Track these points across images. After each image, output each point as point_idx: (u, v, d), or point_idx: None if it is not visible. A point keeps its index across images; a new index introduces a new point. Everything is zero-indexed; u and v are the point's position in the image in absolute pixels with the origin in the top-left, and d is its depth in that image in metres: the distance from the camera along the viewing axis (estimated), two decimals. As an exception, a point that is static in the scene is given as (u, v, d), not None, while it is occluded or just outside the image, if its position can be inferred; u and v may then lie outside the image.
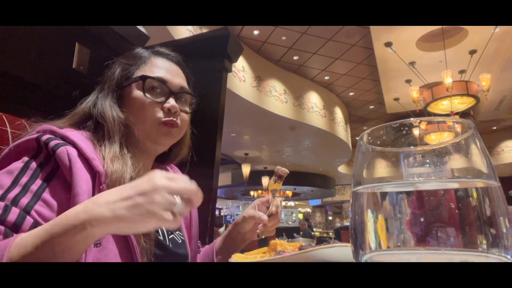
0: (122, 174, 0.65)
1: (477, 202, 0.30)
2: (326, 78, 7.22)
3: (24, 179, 0.58)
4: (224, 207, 19.00)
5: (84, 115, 0.75)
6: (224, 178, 11.64)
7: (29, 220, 0.54)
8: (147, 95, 0.74)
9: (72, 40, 1.03)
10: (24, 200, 0.56)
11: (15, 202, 0.55)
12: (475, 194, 0.30)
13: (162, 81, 0.76)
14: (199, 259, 0.93)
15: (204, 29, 4.90)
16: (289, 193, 14.20)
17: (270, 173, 11.31)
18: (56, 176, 0.61)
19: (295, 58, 6.42)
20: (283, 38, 5.73)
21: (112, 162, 0.66)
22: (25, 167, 0.60)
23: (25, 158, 0.62)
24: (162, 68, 0.79)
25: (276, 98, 6.53)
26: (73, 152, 0.62)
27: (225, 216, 18.65)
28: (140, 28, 1.25)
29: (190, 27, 4.62)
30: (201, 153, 0.86)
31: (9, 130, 0.73)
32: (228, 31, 1.35)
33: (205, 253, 0.94)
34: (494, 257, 0.28)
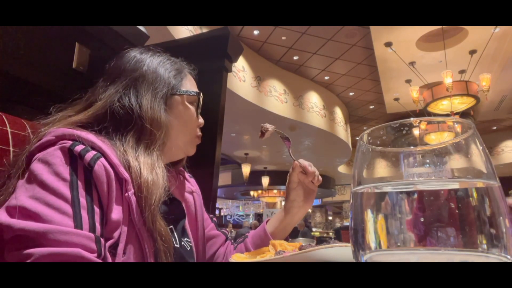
0: (159, 184, 0.64)
1: (477, 202, 0.30)
2: (326, 78, 7.22)
3: (82, 200, 0.55)
4: (224, 207, 19.00)
5: (104, 111, 0.69)
6: (224, 178, 11.64)
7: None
8: (197, 111, 0.81)
9: (72, 40, 1.03)
10: (97, 225, 0.56)
11: (94, 229, 0.55)
12: (475, 194, 0.30)
13: (201, 98, 0.84)
14: (251, 243, 0.93)
15: (204, 29, 4.90)
16: (289, 193, 14.17)
17: (270, 173, 11.37)
18: (97, 191, 0.59)
19: (295, 58, 6.42)
20: (283, 38, 5.73)
21: (151, 172, 0.64)
22: (73, 183, 0.56)
23: (66, 169, 0.56)
24: (194, 85, 0.85)
25: (276, 98, 6.53)
26: (106, 165, 0.59)
27: (225, 216, 18.66)
28: (140, 28, 1.25)
29: (190, 27, 4.63)
30: (201, 153, 0.86)
31: (9, 130, 0.73)
32: (228, 31, 1.35)
33: (255, 235, 0.94)
34: (494, 257, 0.28)
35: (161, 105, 0.73)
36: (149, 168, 0.64)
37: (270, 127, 0.90)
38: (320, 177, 0.93)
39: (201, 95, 0.82)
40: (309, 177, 0.91)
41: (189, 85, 0.82)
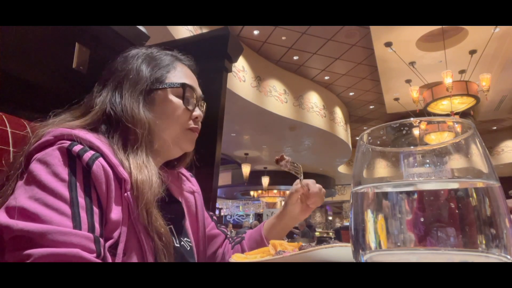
0: (151, 183, 0.63)
1: (477, 202, 0.30)
2: (326, 78, 7.23)
3: (81, 200, 0.55)
4: (224, 207, 19.00)
5: (100, 116, 0.70)
6: (224, 178, 11.65)
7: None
8: (185, 103, 0.76)
9: (72, 40, 1.03)
10: (96, 225, 0.55)
11: (93, 229, 0.54)
12: (475, 194, 0.30)
13: (193, 89, 0.79)
14: (247, 245, 0.95)
15: (204, 29, 4.90)
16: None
17: (270, 173, 11.36)
18: (96, 191, 0.58)
19: (295, 58, 6.42)
20: (283, 38, 5.73)
21: (140, 171, 0.63)
22: (71, 183, 0.56)
23: (65, 170, 0.56)
24: (188, 76, 0.81)
25: (276, 98, 6.53)
26: (104, 164, 0.59)
27: (225, 216, 18.65)
28: (140, 28, 1.25)
29: (190, 27, 4.63)
30: (201, 153, 0.86)
31: (9, 130, 0.73)
32: (228, 31, 1.35)
33: (251, 238, 0.96)
34: (494, 257, 0.28)
35: (139, 102, 0.71)
36: (138, 167, 0.64)
37: (287, 158, 0.95)
38: (322, 199, 0.96)
39: (190, 86, 0.77)
40: (309, 201, 0.95)
41: (178, 77, 0.77)
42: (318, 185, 0.95)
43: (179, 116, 0.75)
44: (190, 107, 0.77)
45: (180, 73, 0.79)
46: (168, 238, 0.63)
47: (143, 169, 0.64)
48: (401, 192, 0.32)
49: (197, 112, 0.79)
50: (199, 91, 0.82)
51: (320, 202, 0.96)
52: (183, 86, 0.76)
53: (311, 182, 0.95)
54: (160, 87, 0.75)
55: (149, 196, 0.62)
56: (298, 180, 0.95)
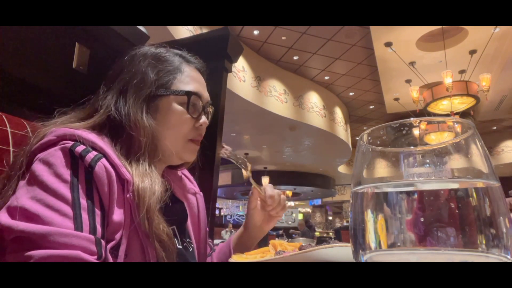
0: (153, 191, 0.62)
1: (477, 202, 0.30)
2: (326, 78, 7.23)
3: (82, 201, 0.55)
4: (224, 207, 19.00)
5: (105, 119, 0.69)
6: (224, 178, 11.64)
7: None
8: (189, 111, 0.73)
9: (72, 40, 1.03)
10: (98, 227, 0.55)
11: (94, 231, 0.54)
12: (475, 194, 0.30)
13: (199, 96, 0.75)
14: (216, 257, 0.92)
15: (204, 29, 4.90)
16: (289, 193, 14.20)
17: (270, 173, 11.38)
18: (98, 192, 0.58)
19: (295, 58, 6.42)
20: (283, 38, 5.73)
21: (142, 179, 0.62)
22: (73, 184, 0.56)
23: (67, 170, 0.56)
24: (196, 80, 0.77)
25: (276, 98, 6.53)
26: (107, 165, 0.59)
27: (225, 216, 18.66)
28: (140, 28, 1.24)
29: (190, 27, 4.63)
30: (201, 153, 0.86)
31: (9, 130, 0.73)
32: (228, 31, 1.35)
33: (221, 251, 0.94)
34: (494, 257, 0.28)
35: (142, 109, 0.69)
36: (140, 176, 0.63)
37: (226, 146, 0.89)
38: (284, 207, 0.90)
39: (195, 93, 0.74)
40: (268, 208, 0.89)
41: (184, 82, 0.74)
42: (276, 190, 0.90)
43: (181, 126, 0.73)
44: (194, 115, 0.74)
45: (188, 78, 0.75)
46: (170, 245, 0.62)
47: (145, 178, 0.63)
48: (401, 192, 0.32)
49: (202, 119, 0.76)
50: (206, 96, 0.78)
51: (282, 211, 0.90)
52: (188, 94, 0.73)
53: (268, 186, 0.90)
54: (165, 93, 0.72)
55: (151, 204, 0.61)
56: (253, 183, 0.89)
